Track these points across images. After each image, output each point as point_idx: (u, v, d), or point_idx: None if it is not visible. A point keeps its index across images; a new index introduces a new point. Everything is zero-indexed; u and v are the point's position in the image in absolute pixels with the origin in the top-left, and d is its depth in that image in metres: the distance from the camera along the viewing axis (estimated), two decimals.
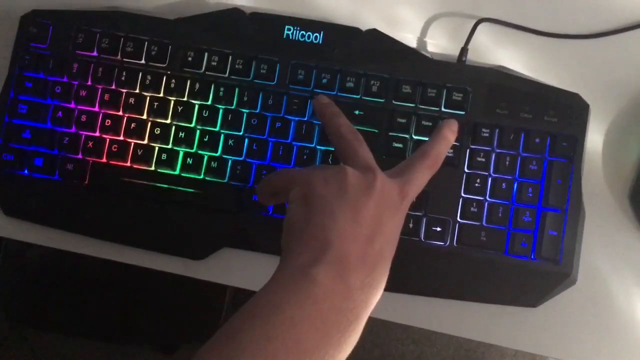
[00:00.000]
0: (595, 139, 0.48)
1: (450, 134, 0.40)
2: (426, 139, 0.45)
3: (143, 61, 0.47)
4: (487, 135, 0.45)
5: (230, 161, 0.46)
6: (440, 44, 0.50)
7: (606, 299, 0.46)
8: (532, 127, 0.45)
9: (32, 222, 0.47)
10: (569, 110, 0.45)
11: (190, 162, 0.46)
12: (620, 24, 0.49)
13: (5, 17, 0.50)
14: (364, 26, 0.49)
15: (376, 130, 0.46)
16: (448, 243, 0.45)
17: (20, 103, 0.46)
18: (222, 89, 0.46)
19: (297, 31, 0.47)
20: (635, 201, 0.46)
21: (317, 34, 0.47)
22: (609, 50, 0.49)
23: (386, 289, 0.47)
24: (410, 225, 0.44)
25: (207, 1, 0.51)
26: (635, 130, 0.48)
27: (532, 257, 0.44)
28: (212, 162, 0.46)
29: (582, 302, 0.46)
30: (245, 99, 0.46)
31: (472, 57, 0.48)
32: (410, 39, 0.51)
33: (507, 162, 0.45)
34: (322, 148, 0.46)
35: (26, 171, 0.46)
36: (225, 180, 0.45)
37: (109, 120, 0.46)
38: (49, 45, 0.47)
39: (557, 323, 0.46)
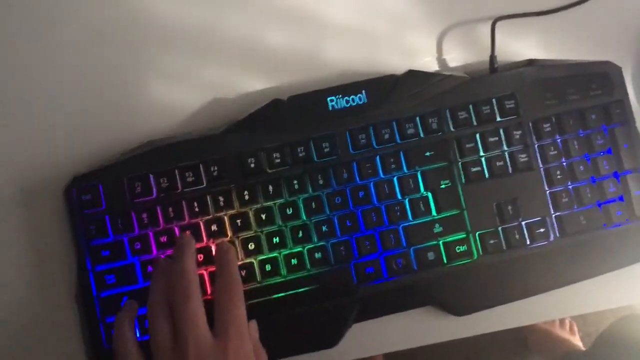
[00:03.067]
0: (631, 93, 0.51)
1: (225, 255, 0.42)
2: (496, 153, 0.47)
3: (205, 184, 0.46)
4: (549, 129, 0.47)
5: (329, 245, 0.46)
6: (459, 56, 0.52)
7: None
8: (583, 105, 0.48)
9: None
10: (607, 79, 0.48)
11: (296, 262, 0.45)
12: None
13: (43, 191, 0.47)
14: (384, 66, 0.50)
15: (447, 163, 0.47)
16: (553, 238, 0.47)
17: (105, 274, 0.44)
18: (295, 181, 0.46)
19: (340, 99, 0.47)
20: None
21: (360, 95, 0.47)
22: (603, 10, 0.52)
23: (510, 300, 0.48)
24: (517, 236, 0.46)
25: (234, 105, 0.50)
26: None
27: (628, 221, 0.47)
28: (316, 254, 0.46)
29: None
30: (321, 182, 0.46)
31: (498, 58, 0.50)
32: (431, 62, 0.52)
33: (576, 145, 0.47)
34: (408, 200, 0.46)
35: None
36: (333, 265, 0.46)
37: (201, 255, 0.45)
38: (106, 206, 0.45)
39: None
